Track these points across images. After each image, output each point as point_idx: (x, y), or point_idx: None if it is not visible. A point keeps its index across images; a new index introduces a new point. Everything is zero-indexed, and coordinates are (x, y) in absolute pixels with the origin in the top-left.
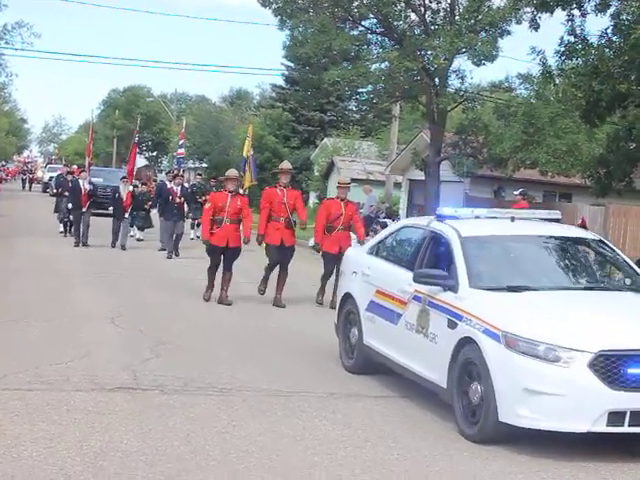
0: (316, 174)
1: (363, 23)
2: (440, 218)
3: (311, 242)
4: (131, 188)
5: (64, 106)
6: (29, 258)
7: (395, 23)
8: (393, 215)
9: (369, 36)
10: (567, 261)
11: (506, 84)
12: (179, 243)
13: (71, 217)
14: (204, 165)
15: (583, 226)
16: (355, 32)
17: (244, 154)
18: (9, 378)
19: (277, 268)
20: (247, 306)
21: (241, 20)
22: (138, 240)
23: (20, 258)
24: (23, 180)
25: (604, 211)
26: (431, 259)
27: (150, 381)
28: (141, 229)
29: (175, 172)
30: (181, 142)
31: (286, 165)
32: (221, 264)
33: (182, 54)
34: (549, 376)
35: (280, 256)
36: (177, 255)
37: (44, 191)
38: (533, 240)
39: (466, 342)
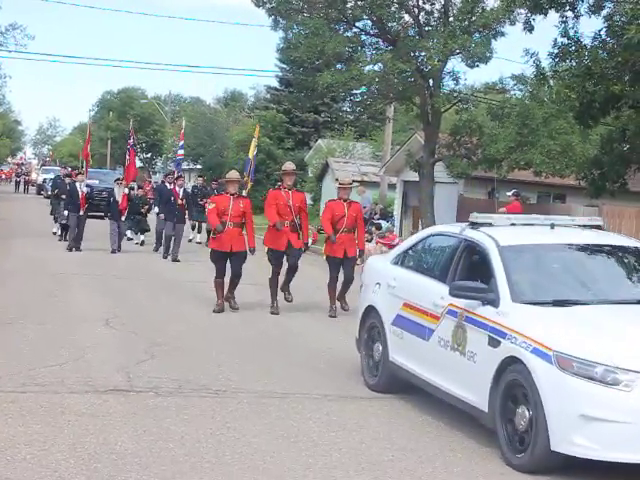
0: (310, 175)
1: (357, 24)
2: (474, 225)
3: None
4: (126, 190)
5: (58, 108)
6: (24, 260)
7: (389, 24)
8: (387, 216)
9: (363, 38)
10: (615, 271)
11: (500, 85)
12: (179, 247)
13: (68, 222)
14: (198, 167)
15: None
16: (349, 34)
17: (249, 155)
18: (3, 380)
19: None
20: (244, 308)
21: (235, 21)
22: (141, 244)
23: (15, 260)
24: (17, 182)
25: (598, 212)
26: (465, 270)
27: (144, 383)
28: (136, 233)
29: (177, 174)
30: (180, 143)
31: (290, 166)
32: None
33: (176, 56)
34: (608, 401)
35: (281, 262)
36: (178, 261)
37: (38, 193)
38: (577, 249)
39: (511, 362)
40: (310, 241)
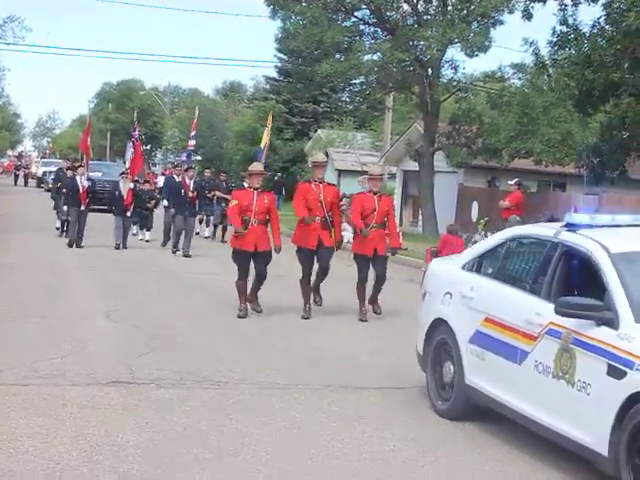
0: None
1: (355, 14)
2: (572, 227)
3: (347, 236)
4: (132, 185)
5: (57, 100)
6: (24, 254)
7: (388, 14)
8: None
9: (361, 27)
10: None
11: (499, 74)
12: (190, 242)
13: (69, 217)
14: (198, 158)
15: None
16: (347, 23)
17: (261, 145)
18: (5, 373)
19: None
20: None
21: (234, 12)
22: (147, 241)
23: (15, 254)
24: (16, 175)
25: (598, 200)
26: (565, 282)
27: (146, 375)
28: (142, 228)
29: (187, 165)
30: (192, 133)
31: (321, 158)
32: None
33: (175, 47)
34: None
35: (312, 262)
36: (189, 256)
37: (38, 186)
38: None
39: None
40: (347, 239)
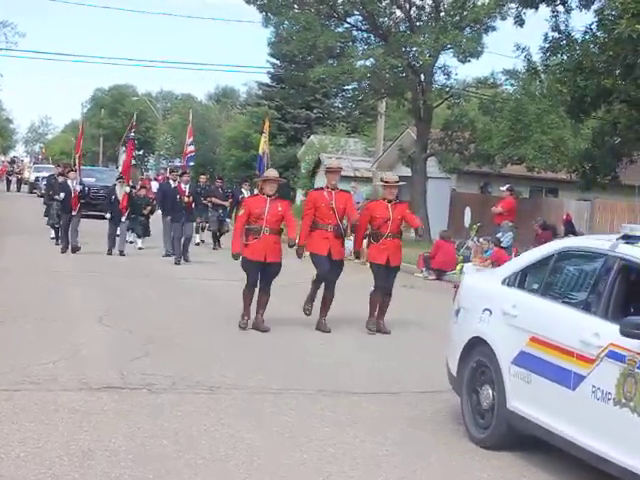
0: (303, 172)
1: (348, 20)
2: (630, 240)
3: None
4: (128, 189)
5: (50, 106)
6: (18, 258)
7: (380, 20)
8: None
9: (354, 33)
10: None
11: (492, 80)
12: (188, 247)
13: (59, 223)
14: (191, 163)
15: (569, 222)
16: (340, 29)
17: (259, 151)
18: None
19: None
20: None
21: (226, 18)
22: (139, 249)
23: (8, 258)
24: (8, 181)
25: (590, 206)
26: (625, 299)
27: (138, 380)
28: (139, 236)
29: (184, 170)
30: (189, 140)
31: (335, 163)
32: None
33: (167, 52)
34: None
35: (327, 264)
36: (187, 261)
37: (31, 192)
38: None
39: None
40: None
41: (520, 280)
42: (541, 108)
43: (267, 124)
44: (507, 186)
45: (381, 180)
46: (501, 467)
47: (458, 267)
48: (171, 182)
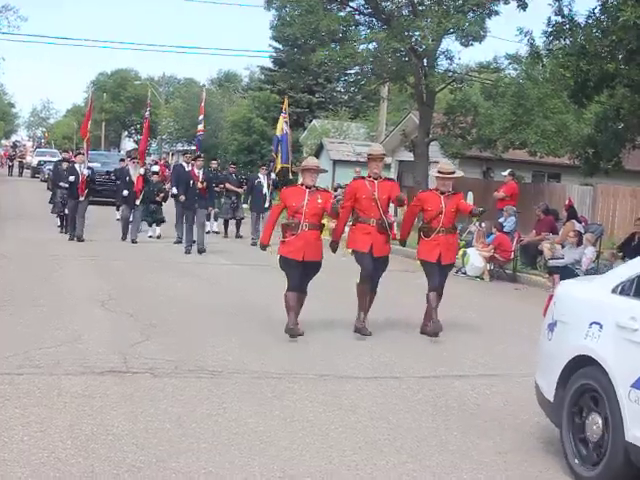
0: (305, 156)
1: (351, 4)
2: None
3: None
4: (142, 171)
5: (52, 90)
6: (19, 243)
7: (383, 3)
8: None
9: (357, 17)
10: None
11: (494, 65)
12: (204, 236)
13: (66, 210)
14: (193, 147)
15: (570, 207)
16: (343, 13)
17: (277, 133)
18: None
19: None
20: (246, 293)
21: (228, 1)
22: (158, 237)
23: (10, 243)
24: (10, 165)
25: (593, 191)
26: None
27: (141, 364)
28: (150, 224)
29: (197, 153)
30: (200, 117)
31: (378, 150)
32: None
33: (170, 37)
34: None
35: (370, 261)
36: (204, 251)
37: (33, 176)
38: None
39: None
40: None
41: (637, 287)
42: (543, 93)
43: (286, 103)
44: (509, 171)
45: (436, 170)
46: (499, 451)
47: (460, 252)
48: (184, 164)
